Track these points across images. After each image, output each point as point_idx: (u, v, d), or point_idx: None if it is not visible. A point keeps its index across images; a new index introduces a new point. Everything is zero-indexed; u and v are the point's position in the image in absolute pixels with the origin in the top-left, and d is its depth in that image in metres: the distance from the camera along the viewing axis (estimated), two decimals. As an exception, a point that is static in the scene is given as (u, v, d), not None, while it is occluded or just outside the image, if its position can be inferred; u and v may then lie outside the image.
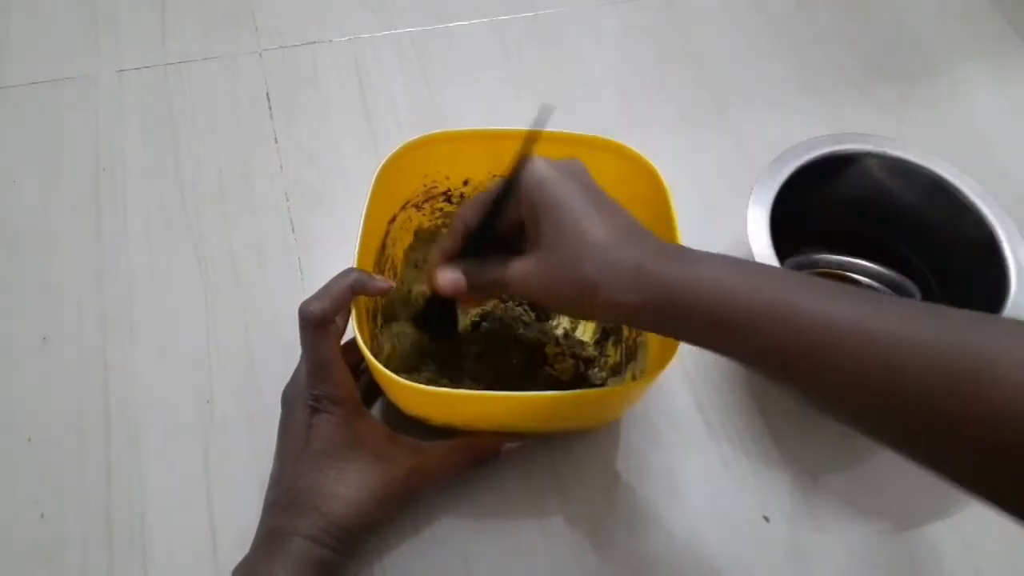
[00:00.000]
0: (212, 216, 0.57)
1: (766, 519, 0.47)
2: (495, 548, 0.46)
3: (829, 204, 0.55)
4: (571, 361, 0.50)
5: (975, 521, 0.48)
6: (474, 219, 0.40)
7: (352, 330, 0.41)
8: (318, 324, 0.40)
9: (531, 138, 0.38)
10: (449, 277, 0.41)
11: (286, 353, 0.50)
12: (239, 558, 0.40)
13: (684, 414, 0.51)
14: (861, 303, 0.31)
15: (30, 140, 0.60)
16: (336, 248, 0.56)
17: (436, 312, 0.46)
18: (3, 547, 0.44)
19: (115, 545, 0.44)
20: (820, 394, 0.32)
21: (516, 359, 0.50)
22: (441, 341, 0.49)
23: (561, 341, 0.51)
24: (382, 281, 0.42)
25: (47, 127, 0.61)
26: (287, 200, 0.59)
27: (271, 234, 0.57)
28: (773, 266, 0.35)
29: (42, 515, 0.45)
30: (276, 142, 0.62)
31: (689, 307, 0.33)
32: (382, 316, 0.50)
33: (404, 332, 0.49)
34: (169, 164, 0.59)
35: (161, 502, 0.46)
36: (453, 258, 0.42)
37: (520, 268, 0.38)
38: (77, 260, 0.54)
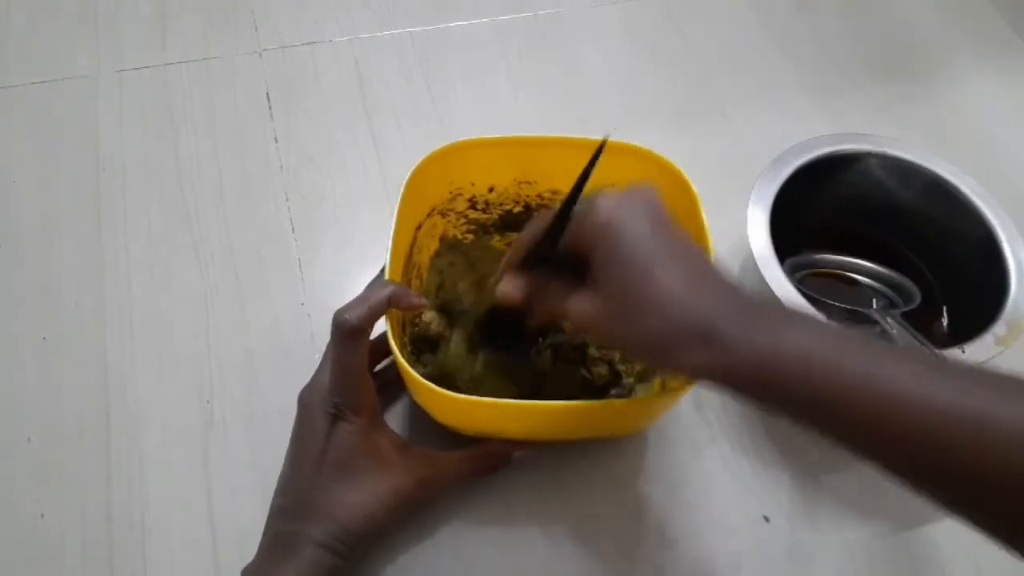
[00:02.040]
0: (212, 216, 0.57)
1: (766, 519, 0.47)
2: (499, 554, 0.46)
3: (829, 204, 0.55)
4: (606, 367, 0.50)
5: (975, 521, 0.48)
6: (534, 236, 0.38)
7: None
8: (352, 333, 0.40)
9: (586, 173, 0.35)
10: (508, 287, 0.39)
11: (286, 353, 0.50)
12: (239, 558, 0.40)
13: (684, 414, 0.51)
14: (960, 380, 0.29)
15: (30, 140, 0.60)
16: (336, 248, 0.56)
17: (501, 323, 0.45)
18: (3, 547, 0.44)
19: (115, 545, 0.44)
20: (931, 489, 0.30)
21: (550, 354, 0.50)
22: (503, 353, 0.48)
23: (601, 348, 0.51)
24: (417, 298, 0.42)
25: (47, 127, 0.61)
26: (287, 200, 0.59)
27: (271, 234, 0.57)
28: (865, 335, 0.32)
29: (42, 515, 0.45)
30: (276, 142, 0.61)
31: (759, 381, 0.31)
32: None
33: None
34: (169, 164, 0.59)
35: (161, 502, 0.46)
36: (517, 268, 0.40)
37: (580, 306, 0.35)
38: (77, 260, 0.54)
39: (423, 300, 0.42)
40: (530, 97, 0.66)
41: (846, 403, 0.29)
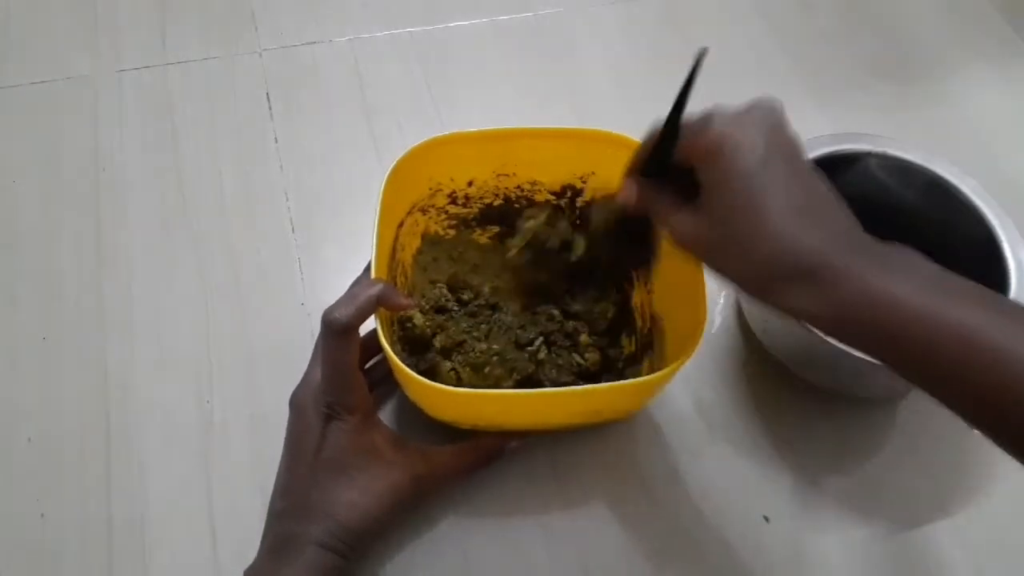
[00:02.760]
0: (212, 216, 0.57)
1: (766, 519, 0.47)
2: (496, 549, 0.46)
3: (829, 204, 0.55)
4: (598, 354, 0.50)
5: (975, 521, 0.48)
6: (651, 145, 0.37)
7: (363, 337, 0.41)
8: (342, 332, 0.40)
9: (689, 84, 0.34)
10: (626, 187, 0.38)
11: (286, 353, 0.50)
12: (239, 558, 0.40)
13: (684, 414, 0.51)
14: None
15: (30, 140, 0.60)
16: (336, 248, 0.56)
17: (629, 232, 0.44)
18: (3, 547, 0.44)
19: (115, 545, 0.45)
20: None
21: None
22: (632, 261, 0.47)
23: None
24: (405, 299, 0.42)
25: (47, 127, 0.61)
26: (287, 200, 0.59)
27: (271, 234, 0.57)
28: (974, 286, 0.31)
29: (42, 515, 0.45)
30: (276, 142, 0.61)
31: (866, 328, 0.30)
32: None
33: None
34: (169, 164, 0.59)
35: (161, 502, 0.46)
36: (637, 171, 0.38)
37: (683, 227, 0.34)
38: (77, 260, 0.54)
39: (410, 301, 0.43)
40: (530, 97, 0.66)
41: (949, 361, 0.28)
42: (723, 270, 0.34)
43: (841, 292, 0.30)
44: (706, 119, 0.33)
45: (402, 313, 0.48)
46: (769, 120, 0.33)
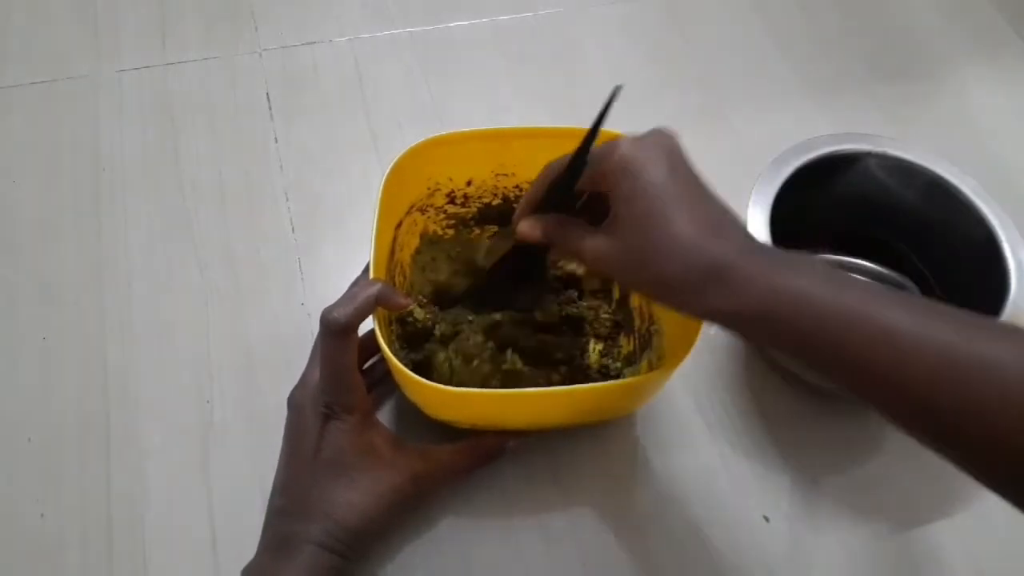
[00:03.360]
0: (212, 216, 0.57)
1: (766, 519, 0.47)
2: (496, 549, 0.46)
3: (829, 204, 0.55)
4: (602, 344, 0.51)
5: (975, 521, 0.48)
6: (554, 176, 0.39)
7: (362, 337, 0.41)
8: (341, 332, 0.40)
9: (603, 112, 0.36)
10: (527, 225, 0.40)
11: (286, 353, 0.50)
12: (239, 558, 0.40)
13: (684, 414, 0.51)
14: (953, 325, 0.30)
15: (30, 140, 0.60)
16: (336, 248, 0.56)
17: (521, 262, 0.45)
18: (3, 547, 0.44)
19: (115, 545, 0.45)
20: (899, 419, 0.31)
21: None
22: (523, 293, 0.48)
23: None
24: (404, 299, 0.42)
25: (47, 127, 0.61)
26: (287, 200, 0.59)
27: (271, 234, 0.57)
28: (863, 281, 0.33)
29: (42, 515, 0.45)
30: (276, 142, 0.62)
31: (772, 321, 0.32)
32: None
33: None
34: (169, 164, 0.59)
35: (161, 502, 0.46)
36: (536, 209, 0.40)
37: (597, 246, 0.36)
38: (77, 260, 0.54)
39: (409, 300, 0.43)
40: (530, 97, 0.66)
41: (842, 342, 0.30)
42: (639, 282, 0.35)
43: (750, 289, 0.32)
44: (610, 145, 0.35)
45: (399, 312, 0.48)
46: (668, 144, 0.35)
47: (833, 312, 0.31)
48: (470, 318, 0.50)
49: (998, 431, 0.28)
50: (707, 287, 0.32)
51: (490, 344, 0.49)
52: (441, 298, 0.51)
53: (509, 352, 0.49)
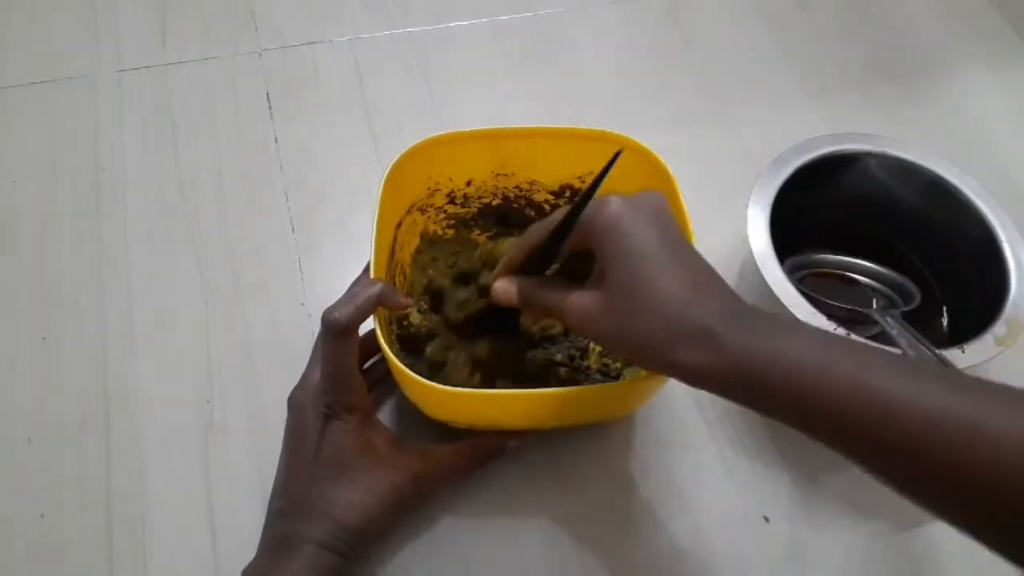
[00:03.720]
0: (212, 216, 0.57)
1: (766, 519, 0.47)
2: (495, 548, 0.46)
3: (829, 204, 0.55)
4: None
5: (975, 521, 0.48)
6: (539, 238, 0.39)
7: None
8: (342, 332, 0.40)
9: (599, 179, 0.36)
10: (502, 288, 0.40)
11: (286, 353, 0.50)
12: (239, 558, 0.40)
13: (684, 414, 0.51)
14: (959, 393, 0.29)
15: (30, 140, 0.60)
16: (336, 248, 0.56)
17: (497, 318, 0.46)
18: (3, 547, 0.44)
19: (115, 545, 0.45)
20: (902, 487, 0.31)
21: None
22: (496, 343, 0.48)
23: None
24: (404, 298, 0.42)
25: (47, 127, 0.61)
26: (287, 200, 0.59)
27: (271, 234, 0.57)
28: (857, 343, 0.34)
29: (42, 515, 0.45)
30: (276, 142, 0.61)
31: (753, 385, 0.32)
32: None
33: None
34: (169, 164, 0.59)
35: (161, 502, 0.46)
36: (515, 270, 0.41)
37: (581, 304, 0.36)
38: (77, 260, 0.54)
39: (409, 300, 0.43)
40: (530, 97, 0.66)
41: (836, 408, 0.30)
42: (621, 341, 0.35)
43: (732, 353, 0.32)
44: (600, 203, 0.35)
45: (399, 312, 0.48)
46: (657, 205, 0.36)
47: (821, 379, 0.30)
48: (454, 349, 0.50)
49: (987, 490, 0.28)
50: (692, 345, 0.32)
51: (476, 377, 0.48)
52: (435, 301, 0.51)
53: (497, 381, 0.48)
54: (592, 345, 0.51)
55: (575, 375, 0.49)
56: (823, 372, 0.31)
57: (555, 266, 0.40)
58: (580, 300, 0.36)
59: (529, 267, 0.40)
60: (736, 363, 0.32)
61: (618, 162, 0.36)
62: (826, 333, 0.33)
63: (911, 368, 0.31)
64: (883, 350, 0.33)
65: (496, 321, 0.46)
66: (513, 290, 0.40)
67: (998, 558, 0.30)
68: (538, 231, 0.39)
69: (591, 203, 0.36)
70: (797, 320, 0.34)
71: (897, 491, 0.32)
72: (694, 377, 0.33)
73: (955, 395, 0.29)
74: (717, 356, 0.32)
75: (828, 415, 0.31)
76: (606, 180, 0.36)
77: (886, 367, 0.31)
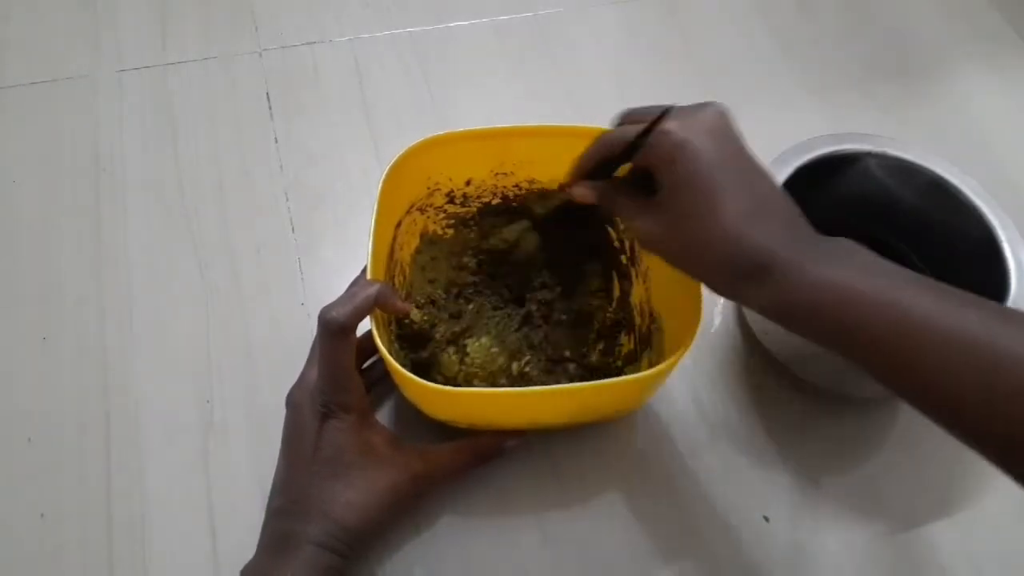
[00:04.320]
0: (212, 216, 0.57)
1: (766, 519, 0.47)
2: (495, 548, 0.46)
3: (829, 204, 0.55)
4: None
5: (975, 521, 0.48)
6: (607, 152, 0.40)
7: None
8: (339, 331, 0.40)
9: (666, 113, 0.37)
10: (580, 192, 0.42)
11: (286, 353, 0.50)
12: (239, 558, 0.40)
13: (684, 414, 0.51)
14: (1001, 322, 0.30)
15: (30, 140, 0.60)
16: (336, 248, 0.56)
17: (568, 218, 0.49)
18: (3, 547, 0.44)
19: (115, 545, 0.45)
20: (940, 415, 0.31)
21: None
22: (567, 243, 0.51)
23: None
24: (402, 304, 0.42)
25: (47, 127, 0.61)
26: (287, 200, 0.59)
27: (271, 234, 0.57)
28: (913, 274, 0.34)
29: (42, 515, 0.45)
30: (276, 142, 0.62)
31: (812, 316, 0.32)
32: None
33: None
34: (169, 164, 0.59)
35: (161, 502, 0.46)
36: (584, 176, 0.42)
37: (648, 228, 0.37)
38: (77, 260, 0.54)
39: (407, 305, 0.43)
40: (530, 97, 0.66)
41: (883, 336, 0.31)
42: (687, 270, 0.37)
43: (791, 283, 0.33)
44: (663, 130, 0.35)
45: (398, 315, 0.49)
46: (720, 123, 0.36)
47: (876, 307, 0.31)
48: (487, 317, 0.50)
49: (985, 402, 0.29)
50: (750, 282, 0.33)
51: (495, 349, 0.49)
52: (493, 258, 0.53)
53: (519, 363, 0.49)
54: (592, 344, 0.51)
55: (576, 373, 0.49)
56: (878, 300, 0.31)
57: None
58: (646, 224, 0.37)
59: (598, 175, 0.42)
60: (796, 294, 0.32)
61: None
62: (883, 261, 0.34)
63: (957, 294, 0.32)
64: (936, 285, 0.33)
65: (575, 217, 0.49)
66: (593, 193, 0.41)
67: (998, 558, 0.30)
68: (608, 142, 0.40)
69: (655, 128, 0.36)
70: (858, 248, 0.34)
71: (942, 425, 0.32)
72: (756, 307, 0.35)
73: (997, 324, 0.30)
74: (776, 289, 0.33)
75: (880, 351, 0.31)
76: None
77: (936, 293, 0.31)
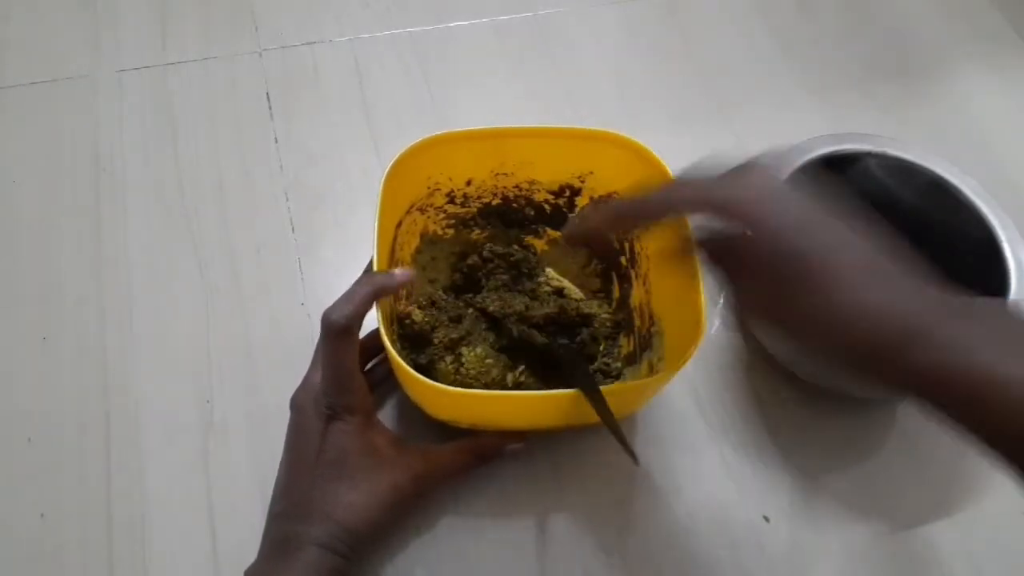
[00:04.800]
0: (212, 216, 0.57)
1: (766, 519, 0.47)
2: (495, 548, 0.46)
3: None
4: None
5: (975, 521, 0.48)
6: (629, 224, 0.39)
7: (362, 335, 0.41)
8: (341, 332, 0.40)
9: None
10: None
11: (286, 353, 0.50)
12: (239, 558, 0.40)
13: (684, 414, 0.51)
14: None
15: (30, 140, 0.60)
16: (336, 248, 0.56)
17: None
18: (3, 547, 0.44)
19: (115, 545, 0.45)
20: None
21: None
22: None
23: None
24: (401, 274, 0.42)
25: (47, 127, 0.61)
26: (287, 200, 0.59)
27: (271, 234, 0.57)
28: None
29: (42, 515, 0.45)
30: (276, 142, 0.61)
31: (962, 396, 0.27)
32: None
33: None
34: (169, 164, 0.59)
35: (161, 502, 0.46)
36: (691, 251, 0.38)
37: (748, 300, 0.33)
38: (77, 260, 0.54)
39: (408, 273, 0.42)
40: (530, 97, 0.66)
41: None
42: (800, 340, 0.32)
43: (928, 361, 0.28)
44: (728, 211, 0.31)
45: (401, 310, 0.48)
46: (776, 185, 0.32)
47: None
48: (483, 326, 0.50)
49: None
50: (892, 359, 0.28)
51: (489, 360, 0.48)
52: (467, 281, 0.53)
53: (515, 374, 0.49)
54: (593, 347, 0.51)
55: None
56: None
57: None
58: (750, 298, 0.33)
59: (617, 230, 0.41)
60: (934, 373, 0.28)
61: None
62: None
63: None
64: None
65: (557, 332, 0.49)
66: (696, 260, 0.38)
67: (997, 560, 0.30)
68: (652, 213, 0.36)
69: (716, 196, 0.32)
70: (996, 308, 0.30)
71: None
72: (892, 391, 0.31)
73: None
74: (907, 369, 0.28)
75: None
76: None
77: None
